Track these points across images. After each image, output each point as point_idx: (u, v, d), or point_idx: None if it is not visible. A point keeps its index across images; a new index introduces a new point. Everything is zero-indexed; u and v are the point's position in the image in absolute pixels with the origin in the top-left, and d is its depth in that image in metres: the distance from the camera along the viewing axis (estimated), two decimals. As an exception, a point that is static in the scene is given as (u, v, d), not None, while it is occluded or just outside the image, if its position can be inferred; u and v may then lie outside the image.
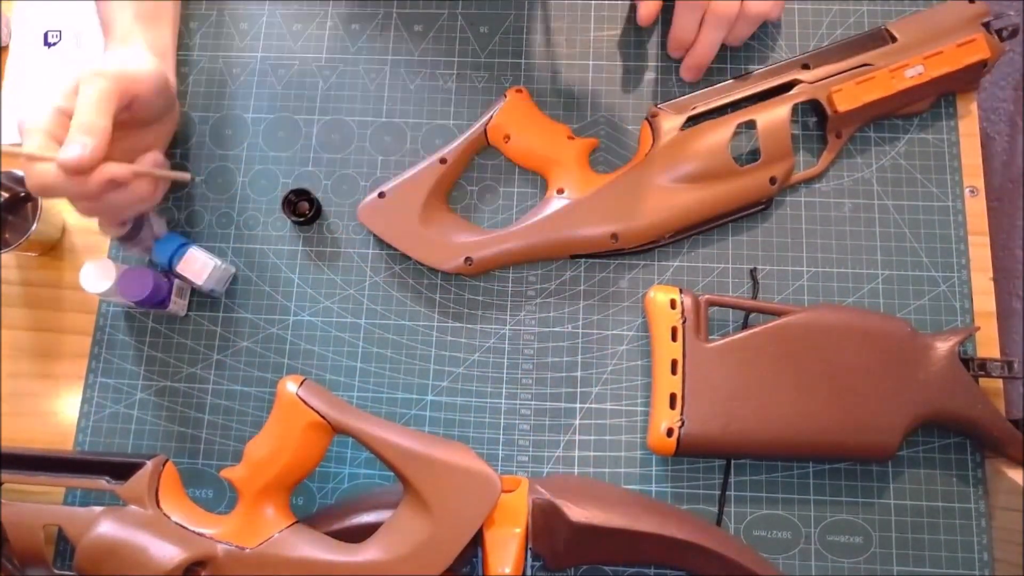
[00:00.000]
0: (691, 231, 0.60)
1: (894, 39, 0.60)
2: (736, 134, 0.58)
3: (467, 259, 0.58)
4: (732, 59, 0.64)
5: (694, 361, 0.54)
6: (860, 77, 0.59)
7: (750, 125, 0.59)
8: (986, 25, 0.59)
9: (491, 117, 0.61)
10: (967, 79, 0.60)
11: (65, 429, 0.60)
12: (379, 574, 0.47)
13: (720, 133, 0.58)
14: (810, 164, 0.61)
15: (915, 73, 0.58)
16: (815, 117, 0.63)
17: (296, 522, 0.50)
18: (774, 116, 0.58)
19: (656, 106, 0.60)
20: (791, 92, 0.59)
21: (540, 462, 0.57)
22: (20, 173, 0.60)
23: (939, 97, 0.62)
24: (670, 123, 0.59)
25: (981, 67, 0.59)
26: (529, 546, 0.50)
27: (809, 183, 0.61)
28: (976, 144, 0.62)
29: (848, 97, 0.58)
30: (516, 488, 0.51)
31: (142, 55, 0.56)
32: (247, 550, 0.48)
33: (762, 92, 0.60)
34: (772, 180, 0.58)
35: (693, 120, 0.59)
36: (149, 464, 0.51)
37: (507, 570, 0.48)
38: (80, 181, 0.48)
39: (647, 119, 0.60)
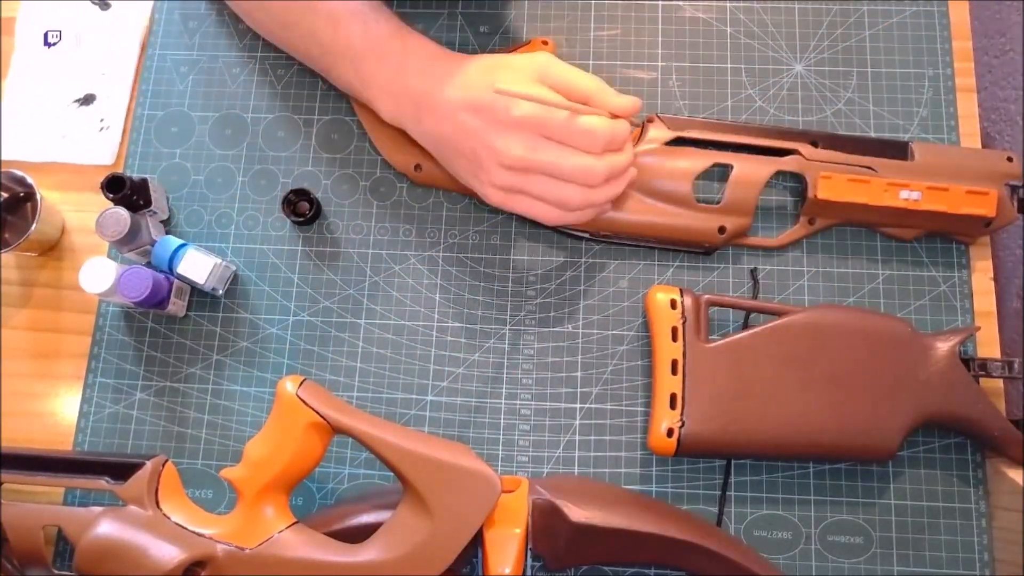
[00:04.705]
0: (629, 240, 0.60)
1: (913, 157, 0.58)
2: (709, 171, 0.58)
3: (417, 166, 0.60)
4: (733, 71, 0.64)
5: (694, 361, 0.54)
6: (855, 175, 0.57)
7: (727, 168, 0.58)
8: (1012, 188, 0.57)
9: (505, 53, 0.60)
10: (965, 230, 0.58)
11: (65, 429, 0.60)
12: (379, 574, 0.47)
13: (694, 162, 0.58)
14: (773, 233, 0.60)
15: (910, 197, 0.56)
16: (798, 198, 0.61)
17: (296, 522, 0.50)
18: (752, 171, 0.57)
19: (656, 115, 0.60)
20: (783, 158, 0.58)
21: (540, 462, 0.57)
22: (20, 173, 0.60)
23: (931, 233, 0.59)
24: (657, 133, 0.59)
25: (983, 224, 0.57)
26: (529, 546, 0.50)
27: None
28: (976, 144, 0.62)
29: (832, 187, 0.56)
30: (516, 488, 0.51)
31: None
32: (247, 550, 0.48)
33: (758, 146, 0.59)
34: (721, 230, 0.58)
35: (681, 142, 0.59)
36: (149, 464, 0.50)
37: (507, 570, 0.48)
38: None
39: (643, 122, 0.60)
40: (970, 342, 0.58)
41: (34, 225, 0.59)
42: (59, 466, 0.53)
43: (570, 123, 0.50)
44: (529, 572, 0.50)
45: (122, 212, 0.57)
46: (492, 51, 0.64)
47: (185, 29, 0.67)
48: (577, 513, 0.49)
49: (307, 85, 0.66)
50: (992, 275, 0.59)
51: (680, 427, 0.53)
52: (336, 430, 0.49)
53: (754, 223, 0.60)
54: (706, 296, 0.56)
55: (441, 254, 0.62)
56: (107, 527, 0.48)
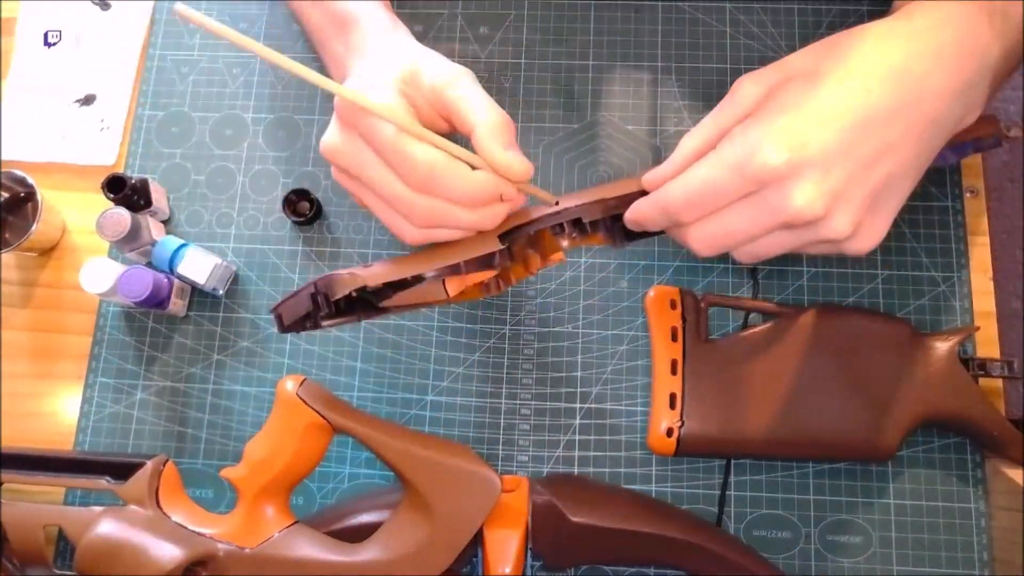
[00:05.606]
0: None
1: None
2: None
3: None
4: (732, 71, 0.64)
5: (694, 361, 0.54)
6: None
7: None
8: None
9: None
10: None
11: (65, 429, 0.60)
12: (379, 574, 0.47)
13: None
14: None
15: None
16: None
17: (296, 522, 0.50)
18: None
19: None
20: None
21: (540, 462, 0.57)
22: (20, 173, 0.60)
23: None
24: None
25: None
26: (529, 546, 0.50)
27: None
28: (976, 144, 0.62)
29: None
30: (516, 488, 0.51)
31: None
32: (247, 550, 0.48)
33: None
34: None
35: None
36: (149, 464, 0.50)
37: (507, 570, 0.48)
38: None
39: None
40: (970, 342, 0.58)
41: (34, 225, 0.59)
42: (59, 466, 0.53)
43: (396, 145, 0.40)
44: (529, 572, 0.50)
45: (123, 212, 0.57)
46: (493, 51, 0.64)
47: (185, 29, 0.67)
48: (577, 513, 0.49)
49: (307, 85, 0.65)
50: (992, 275, 0.59)
51: (680, 427, 0.53)
52: (336, 430, 0.49)
53: (754, 223, 0.60)
54: (706, 296, 0.56)
55: (441, 254, 0.62)
56: (107, 527, 0.48)
